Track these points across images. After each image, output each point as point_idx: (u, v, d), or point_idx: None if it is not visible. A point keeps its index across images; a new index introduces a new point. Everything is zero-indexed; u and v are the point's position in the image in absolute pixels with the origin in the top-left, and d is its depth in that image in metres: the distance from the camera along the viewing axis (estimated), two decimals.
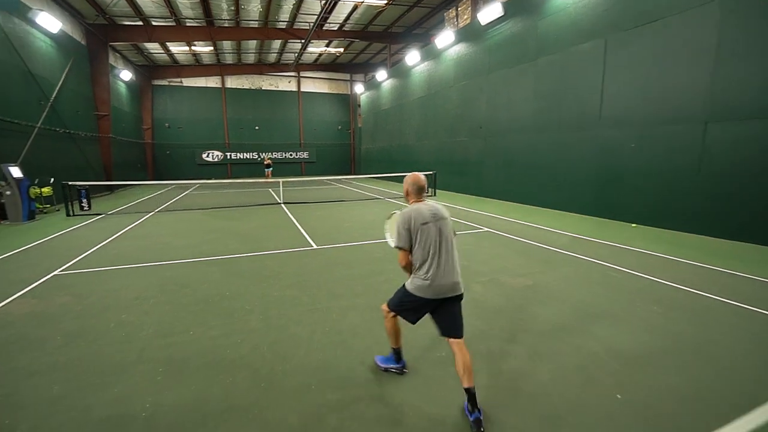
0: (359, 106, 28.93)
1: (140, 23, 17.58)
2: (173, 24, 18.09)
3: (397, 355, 2.96)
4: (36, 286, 5.12)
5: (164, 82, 26.25)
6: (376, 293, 4.70)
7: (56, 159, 13.83)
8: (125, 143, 20.91)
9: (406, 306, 2.66)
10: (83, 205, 11.25)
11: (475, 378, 2.49)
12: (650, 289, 4.71)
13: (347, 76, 31.24)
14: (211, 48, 22.71)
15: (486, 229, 8.51)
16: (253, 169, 28.59)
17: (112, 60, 19.47)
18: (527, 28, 11.62)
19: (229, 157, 28.59)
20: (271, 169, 24.62)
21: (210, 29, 18.68)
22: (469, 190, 15.34)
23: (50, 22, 13.39)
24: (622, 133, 8.95)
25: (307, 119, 30.69)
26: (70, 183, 11.06)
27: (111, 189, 17.68)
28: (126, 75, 21.16)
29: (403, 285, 2.69)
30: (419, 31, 21.81)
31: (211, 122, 27.92)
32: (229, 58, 25.56)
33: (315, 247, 7.09)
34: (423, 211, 2.56)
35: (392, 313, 2.80)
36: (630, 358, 3.17)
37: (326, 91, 31.10)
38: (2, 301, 4.60)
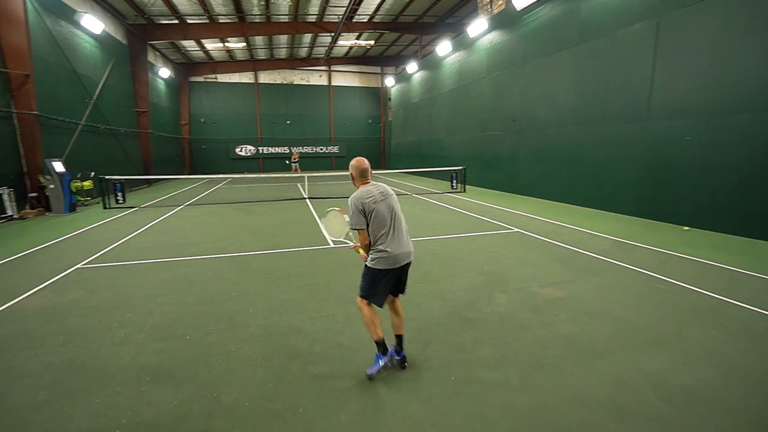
0: (390, 99, 28.49)
1: (176, 21, 18.09)
2: (207, 21, 18.47)
3: (381, 347, 2.92)
4: (58, 279, 5.21)
5: (200, 79, 27.09)
6: None
7: (98, 154, 14.54)
8: (163, 138, 21.76)
9: (377, 285, 2.81)
10: (118, 198, 11.70)
11: (489, 418, 2.11)
12: (709, 308, 4.02)
13: (378, 69, 30.84)
14: (244, 44, 23.08)
15: (516, 229, 7.90)
16: (285, 163, 29.00)
17: (151, 58, 20.25)
18: (568, 11, 10.68)
19: (261, 151, 29.16)
20: (297, 163, 25.00)
21: (242, 25, 18.92)
22: (500, 186, 14.56)
23: (94, 23, 13.99)
24: (676, 125, 7.97)
25: (338, 113, 30.67)
26: (106, 177, 11.52)
27: (149, 182, 18.47)
28: (165, 72, 21.97)
29: (366, 267, 2.85)
30: (451, 20, 21.00)
31: (244, 117, 28.56)
32: (261, 54, 25.93)
33: (332, 245, 6.84)
34: (372, 192, 2.80)
35: (366, 301, 2.89)
36: (683, 398, 2.61)
37: (357, 84, 30.90)
38: (24, 293, 4.70)
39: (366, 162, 2.93)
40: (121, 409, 2.56)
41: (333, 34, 20.27)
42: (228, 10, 17.74)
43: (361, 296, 2.89)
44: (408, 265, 2.90)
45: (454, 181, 15.01)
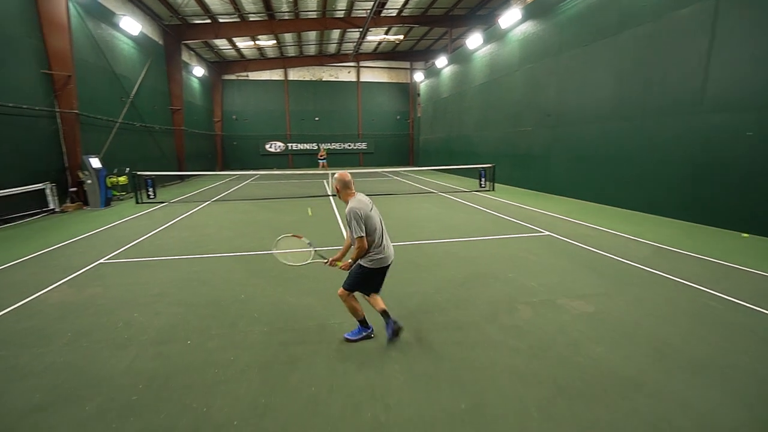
0: (418, 95, 28.00)
1: (208, 21, 18.53)
2: (237, 20, 18.79)
3: (363, 323, 3.35)
4: (79, 274, 5.32)
5: (232, 77, 27.77)
6: (400, 309, 4.08)
7: (134, 150, 15.17)
8: (196, 135, 22.48)
9: (367, 282, 3.20)
10: (149, 193, 12.11)
11: None
12: None
13: (407, 65, 30.38)
14: (274, 41, 23.35)
15: (546, 232, 7.37)
16: (314, 159, 29.26)
17: (186, 57, 20.90)
18: None
19: (290, 147, 29.58)
20: (324, 160, 25.35)
21: (271, 22, 19.11)
22: (532, 185, 13.85)
23: (132, 25, 14.54)
24: (734, 119, 7.11)
25: (366, 109, 30.53)
26: (138, 173, 11.95)
27: (182, 178, 19.13)
28: (199, 71, 22.66)
29: (359, 266, 3.14)
30: (483, 12, 20.22)
31: (274, 114, 29.04)
32: (291, 51, 26.17)
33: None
34: (365, 201, 3.11)
35: (348, 293, 3.21)
36: None
37: (386, 80, 30.60)
38: (47, 287, 4.82)
39: (349, 175, 3.20)
40: (108, 421, 2.45)
41: (361, 29, 20.06)
42: (258, 8, 17.95)
43: (348, 290, 3.21)
44: (391, 263, 3.26)
45: (483, 179, 14.44)
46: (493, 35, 16.04)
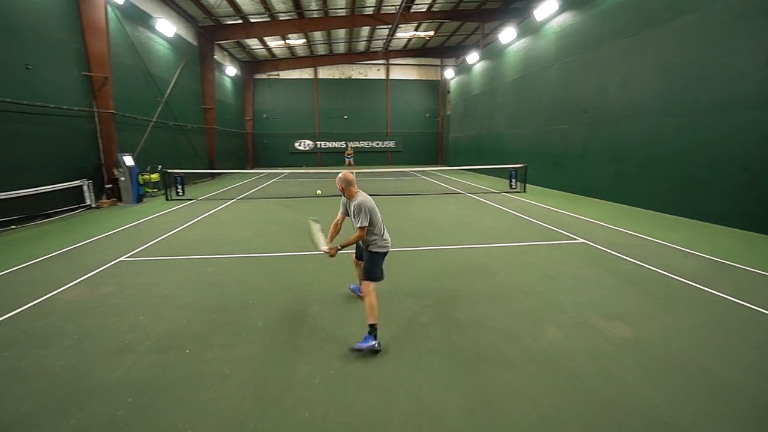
0: (449, 92, 27.35)
1: (240, 21, 18.86)
2: (268, 19, 19.01)
3: (374, 330, 3.24)
4: (98, 272, 5.36)
5: (264, 76, 28.27)
6: (411, 323, 3.77)
7: (168, 148, 15.67)
8: (228, 133, 23.04)
9: (382, 265, 3.49)
10: (179, 191, 12.42)
11: None
12: None
13: (437, 61, 29.76)
14: (304, 40, 23.52)
15: (581, 240, 6.77)
16: (341, 158, 29.33)
17: (219, 57, 21.44)
18: None
19: (318, 146, 29.79)
20: (352, 158, 25.60)
21: (300, 21, 19.19)
22: (566, 186, 13.02)
23: (167, 27, 15.01)
24: None
25: (395, 107, 30.21)
26: (168, 170, 12.28)
27: (213, 175, 19.65)
28: (231, 71, 23.20)
29: (374, 253, 3.46)
30: (517, 5, 19.33)
31: (303, 112, 29.33)
32: (320, 49, 26.26)
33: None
34: (370, 198, 3.44)
35: (373, 285, 3.37)
36: None
37: (415, 77, 30.14)
38: (64, 285, 4.86)
39: (351, 175, 3.49)
40: None
41: (390, 26, 19.75)
42: (287, 7, 18.06)
43: (374, 280, 3.40)
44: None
45: (514, 180, 13.75)
46: (528, 28, 15.24)
